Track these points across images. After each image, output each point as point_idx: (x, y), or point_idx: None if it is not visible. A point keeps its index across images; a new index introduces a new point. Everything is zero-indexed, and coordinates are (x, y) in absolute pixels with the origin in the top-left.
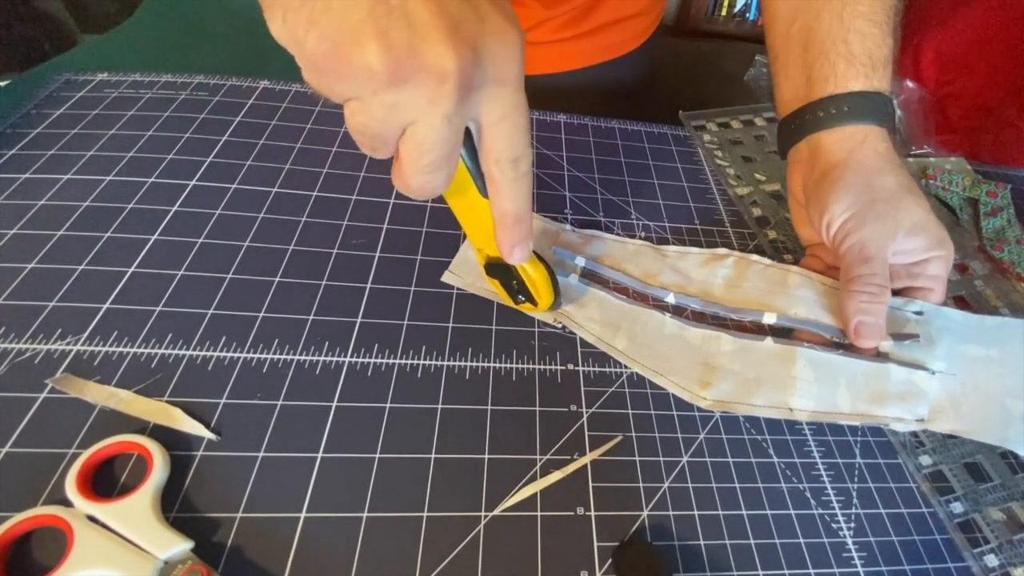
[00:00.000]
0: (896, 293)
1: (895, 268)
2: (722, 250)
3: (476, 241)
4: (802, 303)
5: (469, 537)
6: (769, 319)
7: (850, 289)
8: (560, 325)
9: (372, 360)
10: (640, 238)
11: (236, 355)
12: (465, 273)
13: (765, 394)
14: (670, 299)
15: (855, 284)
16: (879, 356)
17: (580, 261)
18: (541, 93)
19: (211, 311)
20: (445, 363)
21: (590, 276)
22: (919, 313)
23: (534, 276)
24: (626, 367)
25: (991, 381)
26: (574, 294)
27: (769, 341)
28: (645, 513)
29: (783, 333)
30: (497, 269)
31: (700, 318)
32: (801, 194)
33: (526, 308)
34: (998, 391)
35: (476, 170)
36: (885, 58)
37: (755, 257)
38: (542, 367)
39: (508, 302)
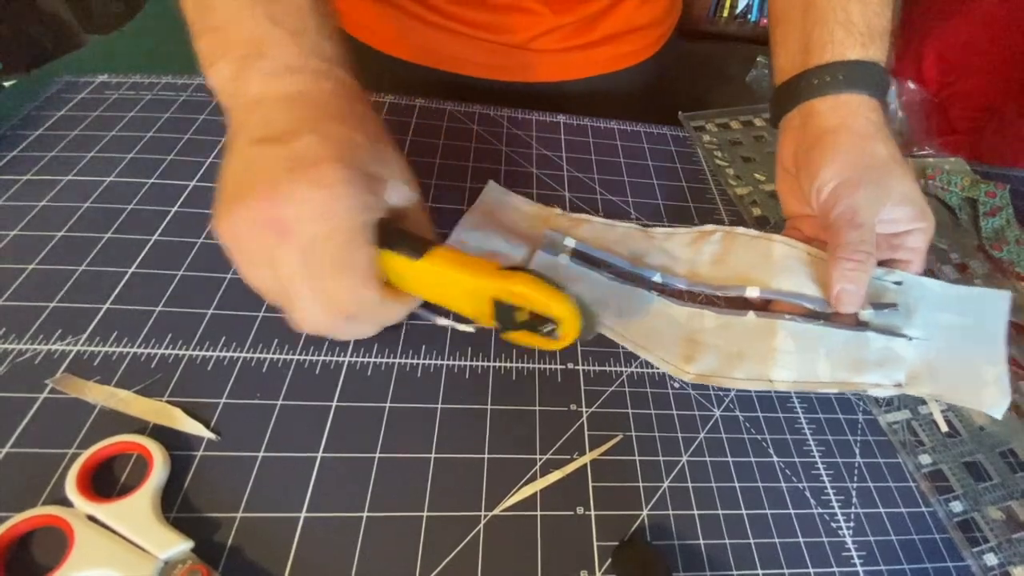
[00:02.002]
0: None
1: (878, 237)
2: (709, 226)
3: (465, 308)
4: (786, 274)
5: (469, 537)
6: (752, 292)
7: (837, 256)
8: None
9: (372, 360)
10: (632, 219)
11: (236, 355)
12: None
13: (747, 367)
14: (657, 279)
15: (843, 251)
16: (858, 324)
17: (570, 242)
18: (547, 100)
19: (211, 311)
20: (445, 363)
21: (581, 257)
22: (898, 283)
23: (539, 296)
24: (626, 366)
25: (966, 347)
26: (565, 273)
27: (751, 315)
28: (645, 513)
29: (767, 305)
30: (504, 313)
31: (686, 296)
32: (791, 162)
33: (562, 342)
34: (973, 357)
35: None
36: (883, 29)
37: (740, 230)
38: (542, 366)
39: (548, 345)
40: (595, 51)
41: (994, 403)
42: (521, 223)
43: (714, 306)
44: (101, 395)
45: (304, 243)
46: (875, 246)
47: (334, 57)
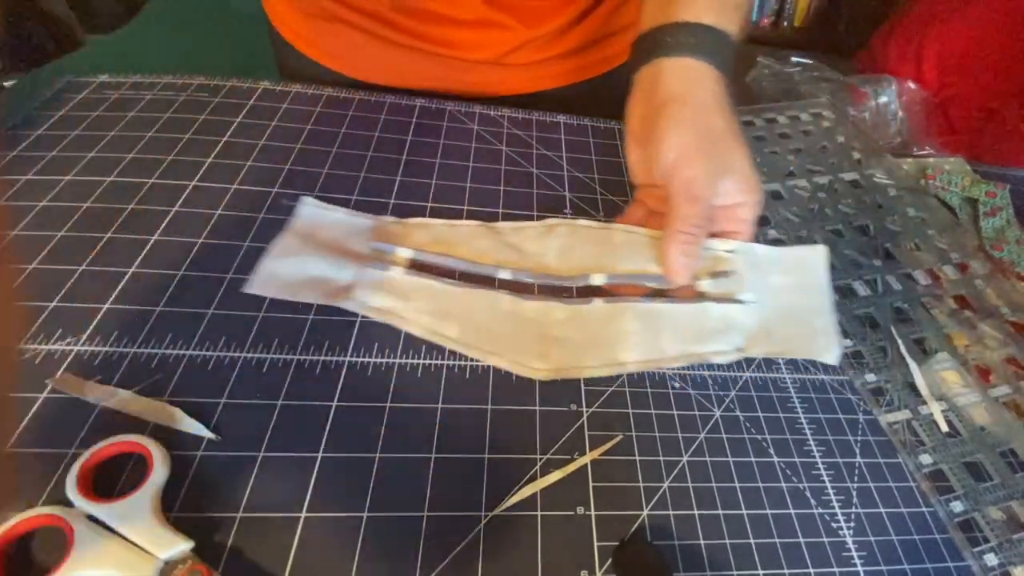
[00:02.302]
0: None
1: (714, 209)
2: (553, 219)
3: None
4: (628, 258)
5: (469, 537)
6: (597, 280)
7: (673, 228)
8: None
9: (372, 360)
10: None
11: (236, 355)
12: (273, 286)
13: (597, 354)
14: (503, 275)
15: (679, 224)
16: (698, 296)
17: (405, 252)
18: (537, 106)
19: (211, 311)
20: (445, 363)
21: (418, 267)
22: (730, 251)
23: None
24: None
25: (795, 303)
26: (399, 288)
27: (598, 302)
28: (645, 512)
29: (613, 291)
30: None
31: (534, 291)
32: (639, 128)
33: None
34: (802, 312)
35: None
36: (739, 3)
37: (582, 221)
38: None
39: None
40: (575, 59)
41: (825, 350)
42: (346, 240)
43: (564, 298)
44: (101, 395)
45: None
46: (709, 220)
47: None
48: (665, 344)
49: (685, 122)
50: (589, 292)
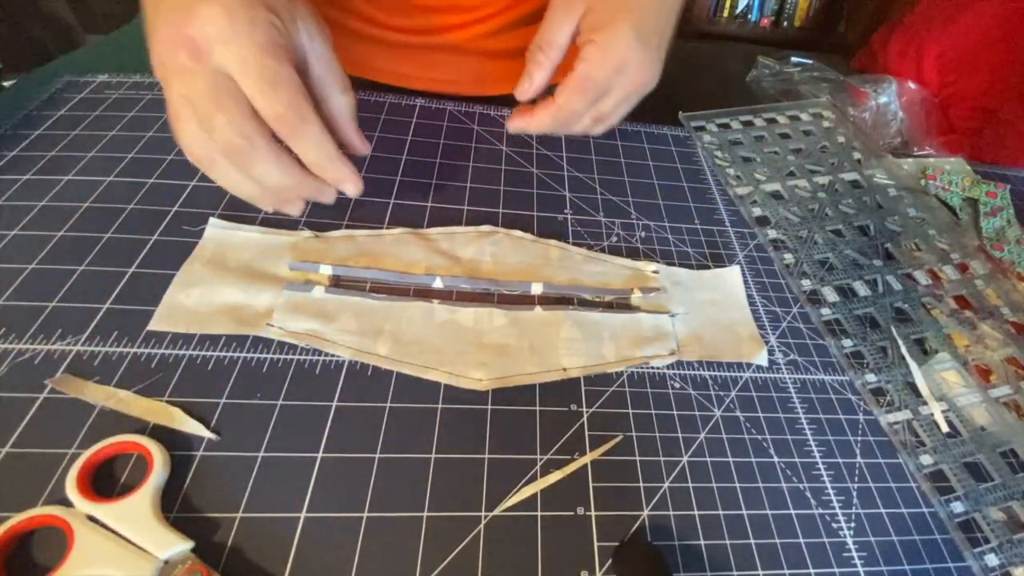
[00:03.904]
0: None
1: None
2: (486, 227)
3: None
4: (563, 271)
5: (469, 537)
6: (536, 289)
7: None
8: (309, 347)
9: None
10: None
11: (236, 355)
12: (179, 320)
13: (538, 360)
14: (437, 284)
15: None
16: (630, 309)
17: (326, 269)
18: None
19: None
20: None
21: (343, 284)
22: (656, 272)
23: None
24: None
25: (721, 316)
26: (322, 308)
27: (538, 309)
28: (645, 513)
29: (550, 301)
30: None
31: (471, 298)
32: None
33: None
34: (728, 322)
35: None
36: None
37: (518, 233)
38: None
39: None
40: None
41: (753, 353)
42: (260, 261)
43: (502, 304)
44: (101, 395)
45: (219, 62)
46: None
47: None
48: (606, 350)
49: None
50: (527, 300)
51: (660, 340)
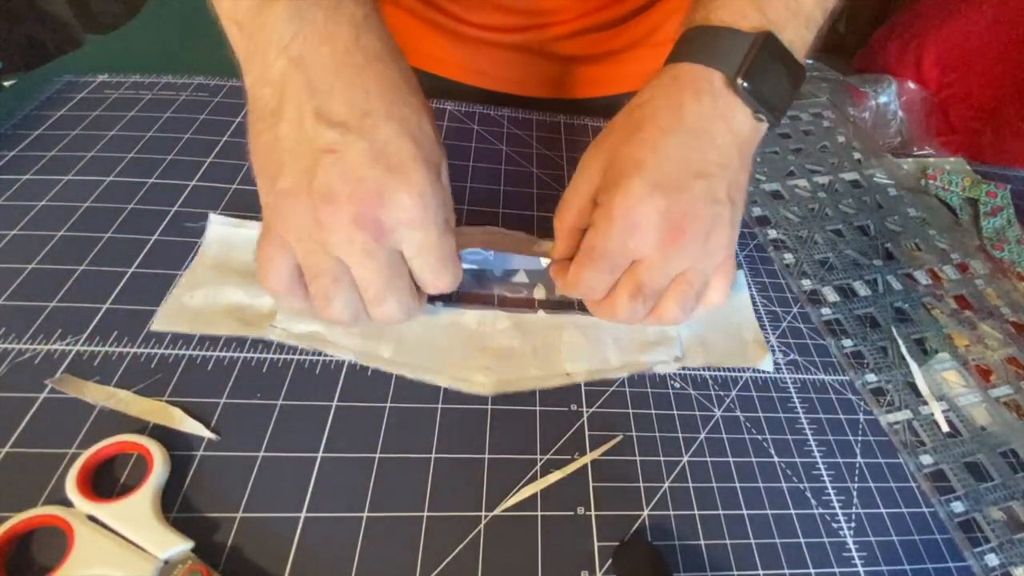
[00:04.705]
0: None
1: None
2: (493, 228)
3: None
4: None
5: (469, 537)
6: (539, 293)
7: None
8: (314, 351)
9: None
10: None
11: (236, 355)
12: (182, 320)
13: (541, 364)
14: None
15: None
16: None
17: None
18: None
19: None
20: None
21: None
22: None
23: None
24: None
25: (726, 319)
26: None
27: (541, 313)
28: (645, 513)
29: (552, 305)
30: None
31: (472, 299)
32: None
33: None
34: (733, 326)
35: None
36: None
37: (520, 234)
38: None
39: None
40: (617, 62)
41: (757, 357)
42: None
43: (506, 307)
44: (101, 395)
45: (398, 243)
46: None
47: None
48: (610, 355)
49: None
50: (528, 304)
51: (664, 345)
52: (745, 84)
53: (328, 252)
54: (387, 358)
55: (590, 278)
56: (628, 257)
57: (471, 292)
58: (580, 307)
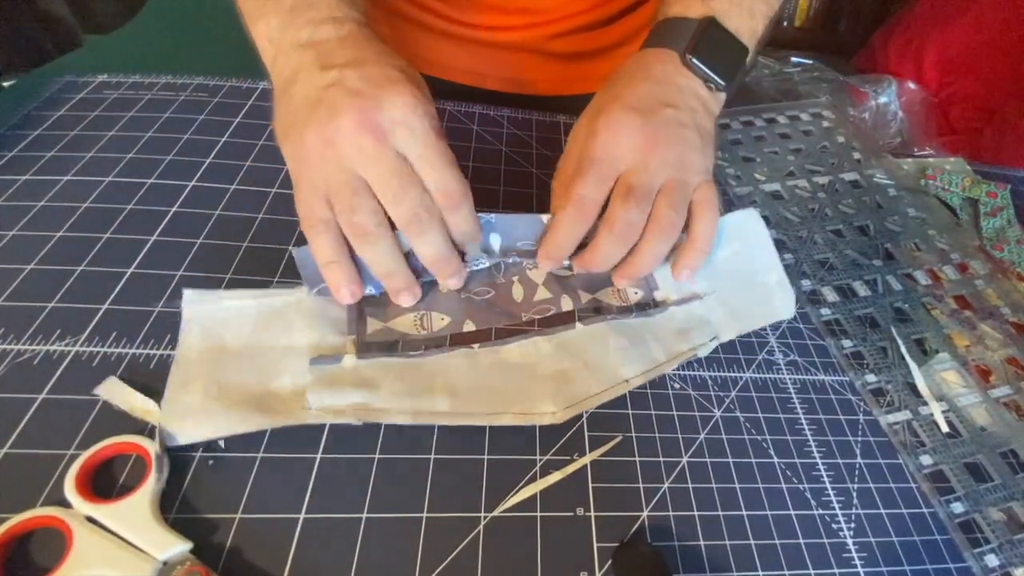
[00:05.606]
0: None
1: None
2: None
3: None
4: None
5: (469, 537)
6: (566, 304)
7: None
8: (360, 423)
9: None
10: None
11: None
12: (203, 428)
13: (600, 377)
14: (468, 326)
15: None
16: (659, 306)
17: (350, 360)
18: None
19: None
20: None
21: (368, 345)
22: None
23: None
24: None
25: (744, 269)
26: (360, 377)
27: (579, 326)
28: (645, 514)
29: (587, 314)
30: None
31: (508, 332)
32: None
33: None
34: (752, 275)
35: None
36: None
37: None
38: None
39: None
40: (608, 59)
41: (783, 306)
42: (262, 333)
43: (541, 330)
44: (139, 407)
45: (398, 144)
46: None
47: (364, 11)
48: (655, 352)
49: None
50: (562, 320)
51: (698, 328)
52: (693, 59)
53: (343, 167)
54: (446, 411)
55: (582, 187)
56: (614, 165)
57: (500, 323)
58: (617, 311)
